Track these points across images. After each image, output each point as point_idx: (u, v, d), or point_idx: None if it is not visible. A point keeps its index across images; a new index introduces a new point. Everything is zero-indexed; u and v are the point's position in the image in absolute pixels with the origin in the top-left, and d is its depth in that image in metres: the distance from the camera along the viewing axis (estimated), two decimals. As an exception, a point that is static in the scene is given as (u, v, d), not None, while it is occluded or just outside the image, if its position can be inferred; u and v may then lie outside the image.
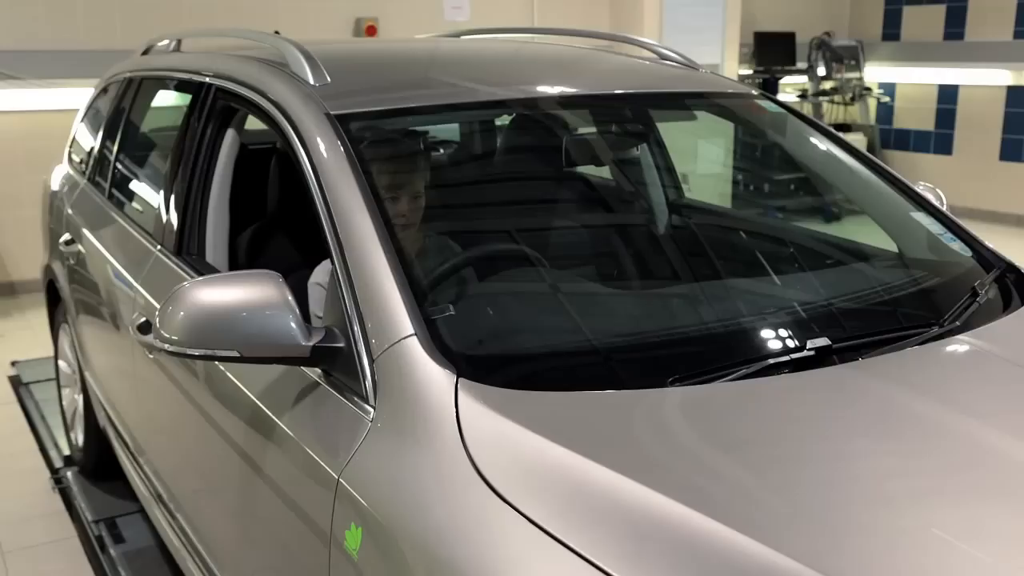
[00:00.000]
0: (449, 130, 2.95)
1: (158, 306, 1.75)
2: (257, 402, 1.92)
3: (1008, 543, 1.34)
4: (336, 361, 1.72)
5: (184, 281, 1.77)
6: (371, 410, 1.62)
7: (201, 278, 1.76)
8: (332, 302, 1.84)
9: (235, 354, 1.69)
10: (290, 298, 1.69)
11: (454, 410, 1.51)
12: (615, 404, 1.60)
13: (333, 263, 1.81)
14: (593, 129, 2.75)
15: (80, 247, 3.33)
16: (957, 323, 1.93)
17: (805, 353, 1.75)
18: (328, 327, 1.76)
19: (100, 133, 3.57)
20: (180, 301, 1.70)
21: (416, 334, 1.63)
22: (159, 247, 2.62)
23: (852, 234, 2.54)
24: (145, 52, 3.54)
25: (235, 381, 2.02)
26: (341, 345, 1.71)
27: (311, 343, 1.70)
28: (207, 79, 2.60)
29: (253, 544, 2.02)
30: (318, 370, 1.78)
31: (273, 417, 1.84)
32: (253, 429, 1.92)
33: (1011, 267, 2.24)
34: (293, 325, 1.68)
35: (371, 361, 1.65)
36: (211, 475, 2.25)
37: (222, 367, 2.08)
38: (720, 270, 2.39)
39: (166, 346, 1.70)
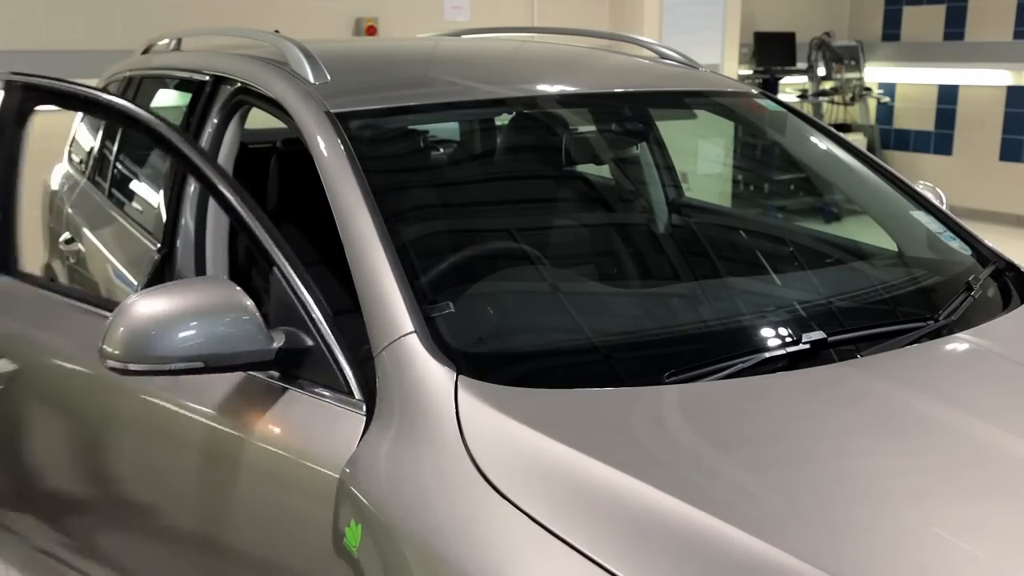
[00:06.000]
0: (449, 129, 2.95)
1: None
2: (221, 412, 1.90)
3: (1008, 541, 1.34)
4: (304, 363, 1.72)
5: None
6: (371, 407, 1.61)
7: (148, 291, 1.68)
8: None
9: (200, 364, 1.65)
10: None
11: (454, 407, 1.51)
12: (615, 401, 1.60)
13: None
14: (593, 128, 2.75)
15: (80, 246, 3.33)
16: (953, 317, 1.93)
17: (800, 347, 1.75)
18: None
19: (100, 132, 3.57)
20: (124, 316, 1.62)
21: (416, 331, 1.63)
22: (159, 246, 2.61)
23: (852, 234, 2.54)
24: (145, 51, 3.54)
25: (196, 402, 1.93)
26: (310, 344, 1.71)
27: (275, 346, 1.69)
28: (207, 78, 2.60)
29: (252, 543, 2.02)
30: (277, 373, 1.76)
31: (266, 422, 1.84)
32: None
33: (1011, 265, 2.24)
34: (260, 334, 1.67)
35: (371, 358, 1.65)
36: (207, 476, 2.24)
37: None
38: (719, 269, 2.39)
39: (140, 366, 1.61)
